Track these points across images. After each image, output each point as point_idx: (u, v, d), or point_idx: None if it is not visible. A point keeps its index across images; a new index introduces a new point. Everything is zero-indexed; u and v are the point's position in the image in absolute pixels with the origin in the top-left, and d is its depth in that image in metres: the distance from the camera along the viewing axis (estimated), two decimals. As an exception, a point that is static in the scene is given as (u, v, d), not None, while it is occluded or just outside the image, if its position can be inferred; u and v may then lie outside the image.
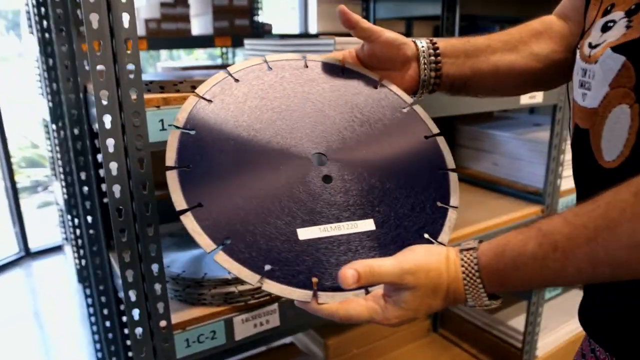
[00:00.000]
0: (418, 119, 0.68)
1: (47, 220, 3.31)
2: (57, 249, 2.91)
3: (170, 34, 2.41)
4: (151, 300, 0.77)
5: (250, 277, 0.48)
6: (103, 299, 1.18)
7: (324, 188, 0.57)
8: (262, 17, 2.66)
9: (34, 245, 2.91)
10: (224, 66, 2.78)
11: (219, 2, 2.51)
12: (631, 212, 0.39)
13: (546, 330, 1.62)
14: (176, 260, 0.93)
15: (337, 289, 0.51)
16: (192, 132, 0.57)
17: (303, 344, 1.62)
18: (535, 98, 1.24)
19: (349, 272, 0.48)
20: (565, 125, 1.32)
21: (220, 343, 0.85)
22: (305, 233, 0.53)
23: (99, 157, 1.04)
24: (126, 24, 0.67)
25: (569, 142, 0.72)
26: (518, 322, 1.64)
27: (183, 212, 0.50)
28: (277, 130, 0.60)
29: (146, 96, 0.72)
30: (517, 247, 0.47)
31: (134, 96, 0.69)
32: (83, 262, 1.48)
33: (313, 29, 3.57)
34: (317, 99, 0.65)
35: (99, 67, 0.66)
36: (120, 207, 0.72)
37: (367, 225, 0.56)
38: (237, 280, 0.86)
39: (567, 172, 1.40)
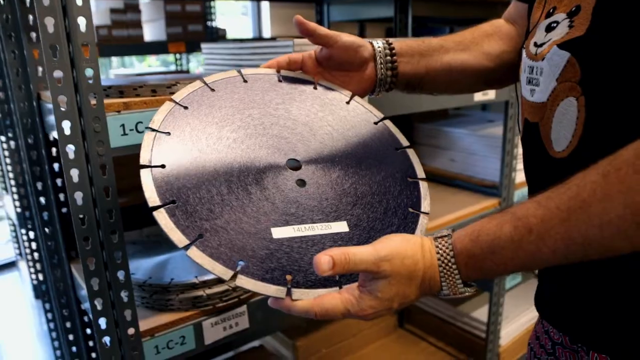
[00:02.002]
0: (388, 132, 0.71)
1: (-2, 236, 3.18)
2: (9, 265, 2.80)
3: (121, 40, 2.36)
4: (118, 308, 0.75)
5: (224, 273, 0.49)
6: (65, 312, 1.15)
7: (298, 192, 0.58)
8: (215, 23, 2.65)
9: (-18, 263, 2.79)
10: (178, 72, 2.73)
11: (171, 7, 2.48)
12: (601, 192, 0.40)
13: (508, 320, 1.68)
14: (141, 267, 0.92)
15: (311, 286, 0.52)
16: (167, 134, 0.57)
17: (272, 347, 1.61)
18: (487, 95, 1.28)
19: (324, 258, 0.48)
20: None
21: (190, 348, 0.84)
22: (279, 232, 0.54)
23: (56, 165, 1.01)
24: (83, 28, 0.66)
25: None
26: (481, 314, 1.68)
27: (156, 208, 0.50)
28: (251, 136, 0.61)
29: (106, 101, 0.71)
30: (492, 231, 0.48)
31: (93, 101, 0.68)
32: (40, 276, 1.44)
33: (267, 33, 3.57)
34: (292, 111, 0.67)
35: (56, 73, 0.65)
36: (83, 215, 0.71)
37: (341, 227, 0.57)
38: (205, 284, 0.86)
39: (521, 165, 1.45)
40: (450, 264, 0.51)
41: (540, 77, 0.56)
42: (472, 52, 0.75)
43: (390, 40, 0.73)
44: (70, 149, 0.68)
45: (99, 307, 0.74)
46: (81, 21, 0.65)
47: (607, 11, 0.49)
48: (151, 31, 2.63)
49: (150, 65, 3.96)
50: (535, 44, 0.57)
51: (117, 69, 3.39)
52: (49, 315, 1.43)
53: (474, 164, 1.56)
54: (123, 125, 0.72)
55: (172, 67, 3.23)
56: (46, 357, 1.96)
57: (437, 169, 1.70)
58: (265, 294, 0.50)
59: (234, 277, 0.49)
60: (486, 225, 0.49)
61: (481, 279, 0.51)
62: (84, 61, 0.67)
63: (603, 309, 0.55)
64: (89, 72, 0.67)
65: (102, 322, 0.75)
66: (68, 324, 1.16)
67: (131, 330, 0.77)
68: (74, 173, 0.69)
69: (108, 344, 0.76)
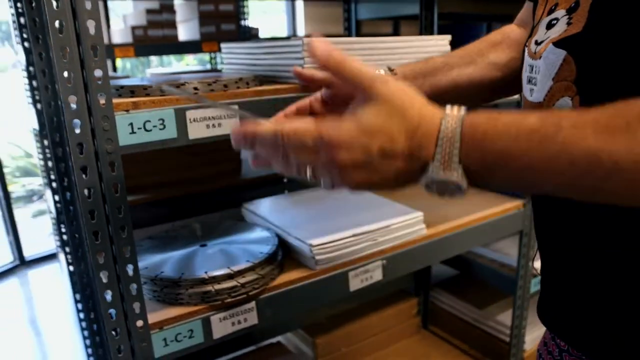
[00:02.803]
0: None
1: (42, 228, 3.33)
2: (52, 256, 2.92)
3: (157, 40, 2.43)
4: (127, 300, 0.78)
5: None
6: (89, 303, 1.20)
7: None
8: (250, 22, 2.69)
9: (28, 254, 2.93)
10: (213, 70, 2.79)
11: (205, 7, 2.53)
12: None
13: (532, 325, 1.64)
14: (155, 262, 0.94)
15: None
16: None
17: (292, 343, 1.63)
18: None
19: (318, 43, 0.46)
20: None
21: (199, 342, 0.86)
22: None
23: (79, 162, 1.05)
24: (92, 31, 0.68)
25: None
26: (505, 317, 1.65)
27: None
28: None
29: (115, 101, 0.74)
30: (515, 117, 0.41)
31: (102, 101, 0.71)
32: (71, 268, 1.50)
33: (301, 31, 3.60)
34: None
35: (66, 73, 0.68)
36: (93, 210, 0.73)
37: None
38: (214, 280, 0.87)
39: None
40: (454, 127, 0.42)
41: (538, 75, 0.55)
42: (477, 65, 0.75)
43: (394, 67, 0.73)
44: (80, 146, 0.71)
45: (108, 299, 0.77)
46: (90, 24, 0.68)
47: (603, 7, 0.48)
48: (186, 31, 2.69)
49: (188, 64, 4.05)
50: (536, 42, 0.56)
51: (155, 68, 3.48)
52: (79, 305, 1.49)
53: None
54: (131, 124, 0.74)
55: (208, 66, 3.29)
56: (80, 344, 2.04)
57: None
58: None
59: None
60: (510, 112, 0.41)
61: (476, 168, 0.42)
62: (94, 62, 0.69)
63: (606, 318, 0.54)
64: (98, 72, 0.70)
65: (112, 313, 0.78)
66: (92, 315, 1.20)
67: (140, 323, 0.80)
68: (84, 170, 0.72)
69: (117, 334, 0.78)
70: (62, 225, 1.52)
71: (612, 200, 0.39)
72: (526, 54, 0.59)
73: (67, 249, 1.58)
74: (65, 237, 1.50)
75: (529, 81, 0.58)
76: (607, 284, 0.53)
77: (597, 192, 0.38)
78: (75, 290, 1.50)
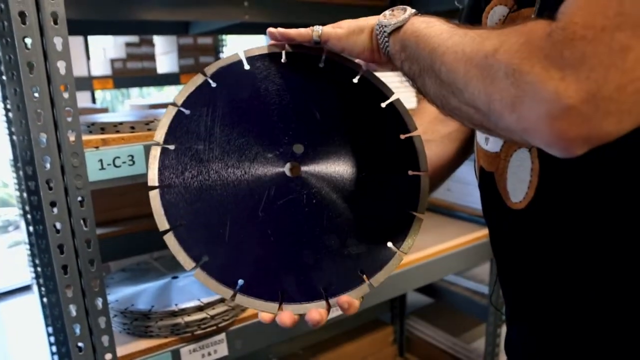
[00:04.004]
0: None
1: (18, 259, 3.27)
2: (26, 288, 2.87)
3: (136, 72, 2.46)
4: (96, 333, 0.79)
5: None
6: (60, 336, 1.19)
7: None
8: (225, 55, 2.74)
9: (3, 285, 2.87)
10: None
11: (183, 41, 2.58)
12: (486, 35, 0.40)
13: (507, 351, 1.65)
14: (126, 295, 0.95)
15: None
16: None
17: (268, 375, 1.62)
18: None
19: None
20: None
21: (168, 374, 0.87)
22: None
23: (51, 196, 1.06)
24: (62, 71, 0.70)
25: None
26: (480, 344, 1.67)
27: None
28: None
29: (85, 137, 0.76)
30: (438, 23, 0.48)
31: (72, 138, 0.73)
32: (45, 300, 1.49)
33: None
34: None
35: (36, 111, 0.70)
36: (62, 244, 0.75)
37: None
38: (184, 312, 0.88)
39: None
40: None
41: None
42: (433, 144, 0.70)
43: None
44: (50, 183, 0.72)
45: (77, 332, 0.78)
46: (61, 64, 0.70)
47: None
48: (164, 63, 2.73)
49: (168, 95, 4.08)
50: None
51: (135, 99, 3.50)
52: (52, 339, 1.47)
53: (469, 194, 1.57)
54: (101, 160, 0.76)
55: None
56: (51, 380, 2.00)
57: (436, 198, 1.71)
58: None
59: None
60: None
61: (396, 44, 0.52)
62: (64, 101, 0.71)
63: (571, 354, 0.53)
64: (68, 110, 0.72)
65: (81, 346, 0.78)
66: (64, 349, 1.19)
67: (108, 356, 0.80)
68: (54, 205, 0.73)
69: (85, 368, 0.79)
70: (32, 258, 1.51)
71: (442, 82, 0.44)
72: None
73: (41, 281, 1.57)
74: (38, 269, 1.49)
75: None
76: (574, 319, 0.51)
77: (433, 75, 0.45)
78: (47, 323, 1.48)
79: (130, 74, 2.43)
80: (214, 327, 0.90)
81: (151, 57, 2.53)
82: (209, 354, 0.91)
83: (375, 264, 0.57)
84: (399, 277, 1.19)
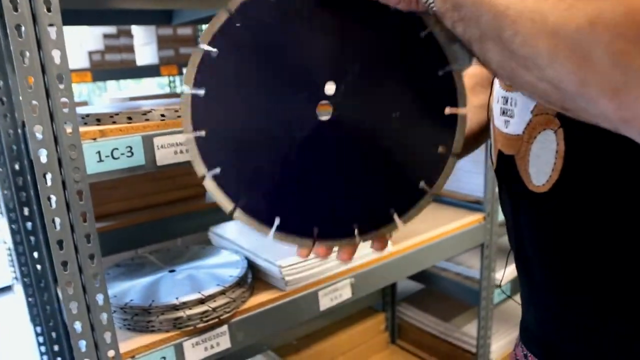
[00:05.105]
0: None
1: (-4, 260, 3.19)
2: (6, 289, 2.81)
3: (114, 64, 2.41)
4: (98, 330, 0.77)
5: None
6: (53, 334, 1.16)
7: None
8: (208, 45, 2.69)
9: (-19, 287, 2.80)
10: (172, 95, 2.77)
11: (163, 31, 2.53)
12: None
13: (499, 334, 1.68)
14: (123, 290, 0.93)
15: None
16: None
17: (262, 366, 1.62)
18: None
19: None
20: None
21: (171, 369, 0.86)
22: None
23: (41, 191, 1.03)
24: (57, 60, 0.68)
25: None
26: (471, 328, 1.69)
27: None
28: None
29: (82, 129, 0.73)
30: None
31: (69, 130, 0.70)
32: (31, 299, 1.45)
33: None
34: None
35: (33, 102, 0.67)
36: (61, 240, 0.72)
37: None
38: (185, 305, 0.87)
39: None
40: None
41: (515, 108, 0.54)
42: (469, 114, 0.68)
43: None
44: (48, 176, 0.70)
45: (78, 330, 0.76)
46: (55, 53, 0.68)
47: None
48: (144, 55, 2.67)
49: (146, 87, 4.01)
50: None
51: (112, 92, 3.43)
52: (40, 339, 1.44)
53: (458, 180, 1.58)
54: (99, 152, 0.74)
55: (167, 90, 3.27)
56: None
57: (425, 185, 1.72)
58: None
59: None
60: None
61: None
62: (59, 91, 0.69)
63: (584, 344, 0.54)
64: (64, 101, 0.70)
65: (82, 344, 0.77)
66: (56, 347, 1.17)
67: (111, 353, 0.79)
68: (52, 199, 0.71)
69: (88, 366, 0.77)
70: (17, 256, 1.47)
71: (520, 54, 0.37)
72: (498, 85, 0.58)
73: (27, 281, 1.53)
74: (24, 268, 1.45)
75: (504, 112, 0.56)
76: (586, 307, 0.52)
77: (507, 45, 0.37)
78: (35, 322, 1.45)
79: (109, 67, 2.38)
80: (216, 320, 0.89)
81: (130, 49, 2.48)
82: (212, 346, 0.89)
83: (406, 202, 0.57)
84: (391, 266, 1.19)
